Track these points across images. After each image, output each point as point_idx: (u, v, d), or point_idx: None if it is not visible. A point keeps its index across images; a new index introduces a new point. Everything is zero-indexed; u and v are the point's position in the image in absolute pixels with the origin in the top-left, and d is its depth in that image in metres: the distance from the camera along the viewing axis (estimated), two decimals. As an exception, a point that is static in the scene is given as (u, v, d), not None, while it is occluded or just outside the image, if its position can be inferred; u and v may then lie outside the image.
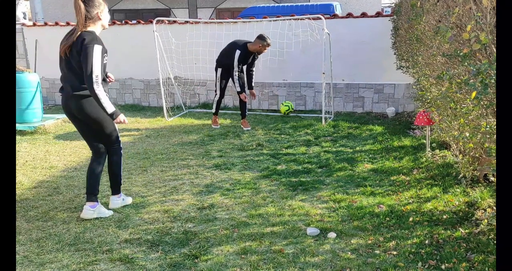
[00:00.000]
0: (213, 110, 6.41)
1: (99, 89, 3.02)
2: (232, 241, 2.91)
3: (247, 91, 6.34)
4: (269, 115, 7.18)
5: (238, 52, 5.90)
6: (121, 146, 3.47)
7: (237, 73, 5.94)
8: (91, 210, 3.29)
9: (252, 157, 4.86)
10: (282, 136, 5.77)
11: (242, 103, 6.22)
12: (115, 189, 3.50)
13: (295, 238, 2.92)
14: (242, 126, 6.26)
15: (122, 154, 3.49)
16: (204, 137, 5.76)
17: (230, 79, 6.12)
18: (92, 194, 3.31)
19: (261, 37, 5.89)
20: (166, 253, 2.77)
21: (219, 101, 6.34)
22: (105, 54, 3.15)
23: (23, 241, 2.95)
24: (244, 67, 6.18)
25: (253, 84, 6.38)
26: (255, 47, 5.93)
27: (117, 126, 3.38)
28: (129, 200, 3.60)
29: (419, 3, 3.57)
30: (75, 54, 3.06)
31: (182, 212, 3.39)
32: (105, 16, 3.20)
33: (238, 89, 6.04)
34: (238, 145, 5.34)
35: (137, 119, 7.04)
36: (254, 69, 6.33)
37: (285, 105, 7.03)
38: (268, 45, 5.94)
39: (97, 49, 3.01)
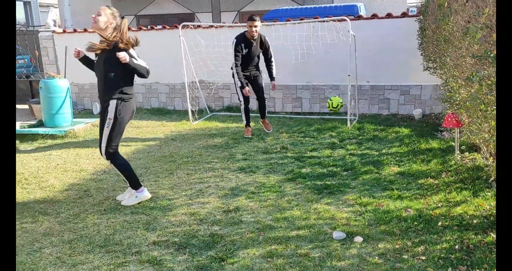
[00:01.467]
0: (244, 122, 6.02)
1: None
2: (258, 244, 2.92)
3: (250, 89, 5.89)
4: (293, 118, 7.17)
5: (234, 41, 5.64)
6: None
7: (237, 67, 5.62)
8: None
9: (277, 160, 4.86)
10: (307, 138, 5.76)
11: (264, 105, 6.05)
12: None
13: (321, 242, 2.91)
14: (264, 128, 6.15)
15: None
16: (229, 140, 5.80)
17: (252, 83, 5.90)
18: None
19: (248, 18, 5.59)
20: (193, 256, 2.81)
21: (246, 110, 5.93)
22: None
23: (55, 243, 3.05)
24: (256, 60, 5.83)
25: (274, 76, 5.99)
26: (247, 31, 5.61)
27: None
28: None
29: (446, 3, 3.50)
30: None
31: (208, 215, 3.43)
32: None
33: (239, 84, 5.69)
34: (262, 148, 5.36)
35: (163, 122, 7.16)
36: (273, 60, 5.97)
37: (337, 101, 6.03)
38: (252, 21, 5.49)
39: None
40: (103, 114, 3.56)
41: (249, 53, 5.71)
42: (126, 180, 3.68)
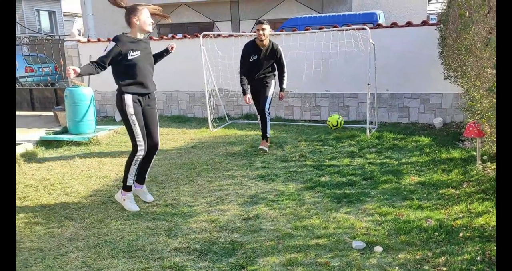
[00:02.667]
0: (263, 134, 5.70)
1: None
2: (277, 252, 2.95)
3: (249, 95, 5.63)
4: (311, 126, 7.19)
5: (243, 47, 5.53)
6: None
7: (240, 73, 5.51)
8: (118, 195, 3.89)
9: (295, 168, 4.89)
10: (325, 147, 5.77)
11: (263, 122, 5.59)
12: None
13: (340, 251, 2.92)
14: (260, 146, 5.59)
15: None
16: (248, 148, 5.86)
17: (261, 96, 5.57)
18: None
19: (256, 22, 5.49)
20: (214, 262, 2.86)
21: (261, 122, 5.68)
22: (123, 52, 3.54)
23: (81, 247, 3.15)
24: (266, 69, 5.54)
25: (283, 86, 5.71)
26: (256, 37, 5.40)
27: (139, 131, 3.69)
28: (128, 206, 3.86)
29: (467, 13, 3.50)
30: None
31: (228, 222, 3.48)
32: (142, 21, 3.58)
33: (242, 90, 5.56)
34: (281, 156, 5.39)
35: (183, 130, 7.27)
36: (285, 71, 5.66)
37: (335, 119, 6.41)
38: (259, 24, 5.31)
39: (109, 45, 3.51)
40: (153, 104, 3.79)
41: (257, 61, 5.47)
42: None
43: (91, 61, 3.61)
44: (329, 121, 6.44)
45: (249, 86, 5.60)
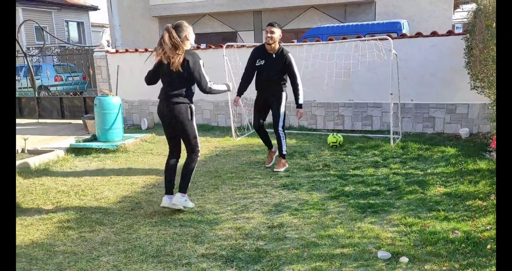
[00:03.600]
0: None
1: (212, 86, 4.02)
2: (302, 260, 2.99)
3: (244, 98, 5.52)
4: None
5: None
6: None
7: (243, 76, 5.32)
8: (182, 198, 3.99)
9: (319, 177, 4.91)
10: (349, 156, 5.77)
11: (278, 139, 5.25)
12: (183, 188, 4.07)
13: (365, 261, 2.93)
14: (276, 168, 5.23)
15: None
16: (271, 157, 5.91)
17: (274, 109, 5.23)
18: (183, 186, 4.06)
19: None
20: (240, 269, 2.91)
21: (256, 130, 5.43)
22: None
23: (112, 251, 3.26)
24: (273, 78, 5.15)
25: (299, 102, 5.15)
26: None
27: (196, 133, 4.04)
28: (190, 204, 4.10)
29: (494, 24, 3.49)
30: (187, 69, 3.83)
31: (253, 230, 3.54)
32: (191, 37, 3.94)
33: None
34: (304, 165, 5.43)
35: (207, 138, 7.39)
36: (299, 83, 5.11)
37: (334, 137, 6.32)
38: (269, 26, 5.04)
39: (202, 62, 3.95)
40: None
41: (263, 66, 5.12)
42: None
43: (219, 84, 4.20)
44: (329, 141, 6.37)
45: (257, 94, 5.35)
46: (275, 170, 5.22)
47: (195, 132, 4.01)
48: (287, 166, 5.36)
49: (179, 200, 3.97)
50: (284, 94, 5.21)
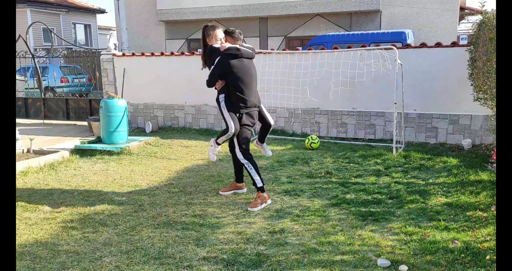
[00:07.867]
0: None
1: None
2: (303, 266, 3.02)
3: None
4: (337, 143, 7.23)
5: None
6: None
7: None
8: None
9: (321, 184, 4.95)
10: (351, 164, 5.80)
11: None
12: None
13: (365, 268, 2.96)
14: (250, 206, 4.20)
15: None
16: (274, 163, 5.96)
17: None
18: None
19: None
20: (241, 273, 2.95)
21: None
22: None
23: (114, 252, 3.30)
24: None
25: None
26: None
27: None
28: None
29: (498, 37, 3.54)
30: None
31: (254, 235, 3.57)
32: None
33: None
34: (306, 172, 5.46)
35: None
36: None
37: (312, 141, 6.76)
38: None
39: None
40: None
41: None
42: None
43: None
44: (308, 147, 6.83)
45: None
46: (248, 208, 4.19)
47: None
48: (268, 202, 4.27)
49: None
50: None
